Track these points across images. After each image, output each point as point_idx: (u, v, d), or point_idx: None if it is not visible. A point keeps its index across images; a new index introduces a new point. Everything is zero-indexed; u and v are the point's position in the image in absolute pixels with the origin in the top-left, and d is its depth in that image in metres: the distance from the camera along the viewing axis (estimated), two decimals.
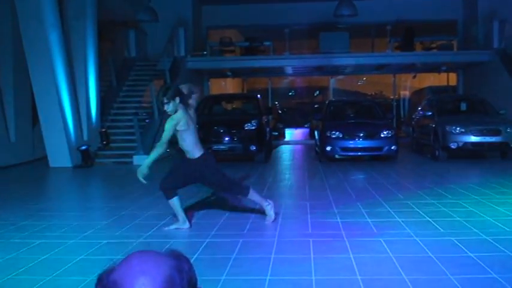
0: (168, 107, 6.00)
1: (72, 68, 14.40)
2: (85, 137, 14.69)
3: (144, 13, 18.36)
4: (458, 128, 13.28)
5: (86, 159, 14.02)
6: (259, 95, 16.93)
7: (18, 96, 14.44)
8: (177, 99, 6.00)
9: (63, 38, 13.76)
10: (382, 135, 13.50)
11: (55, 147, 13.74)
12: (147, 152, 14.36)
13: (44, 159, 14.07)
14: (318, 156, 14.64)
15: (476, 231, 5.98)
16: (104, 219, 7.20)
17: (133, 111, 15.62)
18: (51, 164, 13.78)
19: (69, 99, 13.87)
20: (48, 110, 13.51)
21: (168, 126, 5.98)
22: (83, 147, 14.02)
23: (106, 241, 5.94)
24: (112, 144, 15.34)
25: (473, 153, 14.11)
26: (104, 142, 15.12)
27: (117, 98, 17.55)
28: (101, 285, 1.19)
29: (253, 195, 6.59)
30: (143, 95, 17.58)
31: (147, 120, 16.08)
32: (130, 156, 14.48)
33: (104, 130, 15.23)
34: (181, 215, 6.42)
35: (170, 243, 5.74)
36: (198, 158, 6.24)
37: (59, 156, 13.76)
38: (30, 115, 14.97)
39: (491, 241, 5.53)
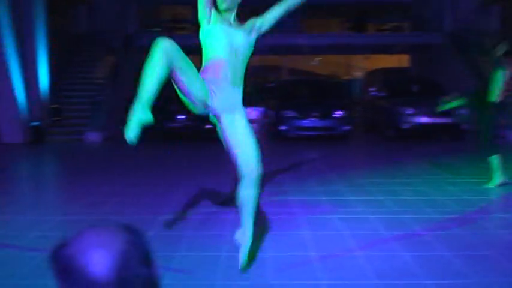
0: None
1: (22, 43, 13.96)
2: (37, 114, 14.34)
3: None
4: (409, 109, 13.55)
5: (37, 136, 13.72)
6: None
7: None
8: None
9: (12, 11, 13.31)
10: (335, 115, 13.65)
11: (6, 122, 13.42)
12: (99, 129, 14.19)
13: None
14: (272, 136, 14.71)
15: (427, 209, 6.16)
16: (57, 196, 7.09)
17: (85, 87, 15.30)
18: (3, 139, 13.43)
19: (20, 74, 13.51)
20: None
21: None
22: (35, 123, 13.71)
23: (60, 218, 5.85)
24: (64, 121, 15.03)
25: (424, 134, 14.42)
26: (56, 118, 14.80)
27: (68, 74, 17.13)
28: (55, 261, 1.19)
29: None
30: (94, 71, 17.20)
31: (98, 98, 15.79)
32: (82, 133, 14.23)
33: (55, 106, 14.89)
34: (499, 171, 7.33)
35: (125, 220, 5.69)
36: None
37: (11, 132, 13.43)
38: None
39: (441, 220, 5.70)
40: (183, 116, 13.50)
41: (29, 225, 5.59)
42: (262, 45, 20.55)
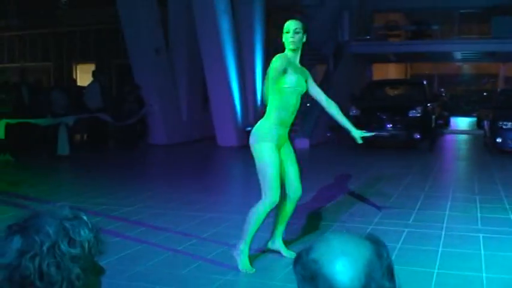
0: None
1: (241, 53, 14.91)
2: (251, 119, 15.18)
3: None
4: None
5: None
6: (424, 81, 16.34)
7: (191, 79, 15.34)
8: None
9: (233, 24, 14.29)
10: None
11: (223, 127, 14.35)
12: (307, 136, 14.58)
13: (212, 138, 14.70)
14: (486, 148, 13.81)
15: None
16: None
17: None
18: (219, 142, 14.43)
19: (237, 82, 14.42)
20: (218, 92, 14.14)
21: None
22: (249, 128, 14.55)
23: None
24: None
25: None
26: None
27: None
28: (300, 263, 1.23)
29: None
30: None
31: (308, 104, 16.22)
32: (292, 139, 14.69)
33: None
34: None
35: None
36: None
37: (226, 136, 14.38)
38: (201, 96, 15.82)
39: None
40: (391, 125, 13.32)
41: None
42: (477, 52, 19.34)
